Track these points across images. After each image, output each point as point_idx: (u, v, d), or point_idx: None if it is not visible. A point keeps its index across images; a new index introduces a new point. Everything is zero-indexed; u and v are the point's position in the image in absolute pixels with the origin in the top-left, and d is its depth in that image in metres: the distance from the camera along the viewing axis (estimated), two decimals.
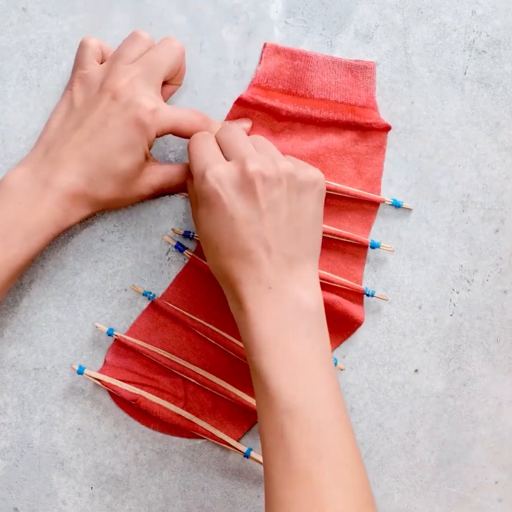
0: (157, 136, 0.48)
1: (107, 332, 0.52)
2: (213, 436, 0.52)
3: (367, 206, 0.54)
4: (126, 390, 0.52)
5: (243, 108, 0.53)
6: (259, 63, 0.54)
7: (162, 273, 0.54)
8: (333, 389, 0.43)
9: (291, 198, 0.45)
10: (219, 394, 0.53)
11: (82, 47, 0.51)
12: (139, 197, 0.51)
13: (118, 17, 0.53)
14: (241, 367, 0.53)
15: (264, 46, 0.53)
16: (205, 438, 0.53)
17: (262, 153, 0.46)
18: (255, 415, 0.53)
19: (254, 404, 0.51)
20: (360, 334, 0.55)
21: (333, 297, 0.53)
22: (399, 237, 0.55)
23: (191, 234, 0.53)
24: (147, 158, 0.49)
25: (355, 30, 0.54)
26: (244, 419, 0.54)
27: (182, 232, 0.53)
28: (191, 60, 0.53)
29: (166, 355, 0.53)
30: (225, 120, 0.53)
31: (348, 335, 0.54)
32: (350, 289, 0.53)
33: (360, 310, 0.54)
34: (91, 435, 0.54)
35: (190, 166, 0.47)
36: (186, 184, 0.51)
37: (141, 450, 0.54)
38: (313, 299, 0.44)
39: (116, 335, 0.52)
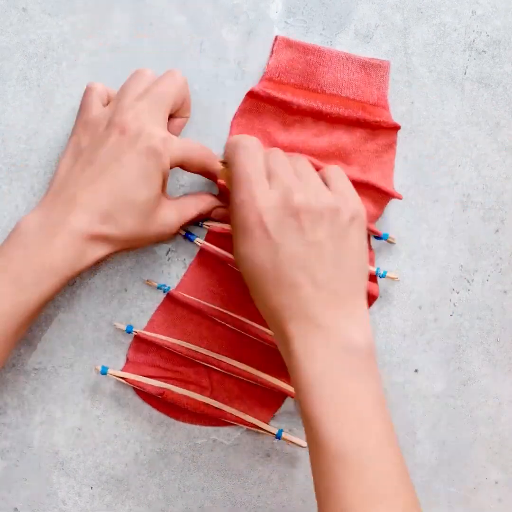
0: (170, 167, 0.47)
1: (126, 330, 0.52)
2: (242, 421, 0.53)
3: (378, 198, 0.54)
4: (151, 385, 0.52)
5: (255, 101, 0.53)
6: (270, 56, 0.54)
7: (162, 273, 0.54)
8: (387, 433, 0.41)
9: (335, 232, 0.44)
10: (244, 379, 0.53)
11: (87, 91, 0.50)
12: (157, 236, 0.49)
13: (118, 17, 0.54)
14: (264, 350, 0.53)
15: (275, 39, 0.53)
16: (235, 424, 0.53)
17: (304, 181, 0.45)
18: (282, 396, 0.54)
19: (281, 385, 0.52)
20: None
21: None
22: (399, 237, 0.55)
23: (200, 222, 0.53)
24: (163, 191, 0.48)
25: (355, 30, 0.54)
26: (272, 401, 0.54)
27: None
28: (191, 60, 0.54)
29: (187, 346, 0.53)
30: (236, 114, 0.53)
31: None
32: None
33: (374, 286, 0.54)
34: (91, 435, 0.54)
35: (234, 188, 0.45)
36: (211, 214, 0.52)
37: (141, 450, 0.54)
38: (363, 337, 0.43)
39: (136, 332, 0.53)
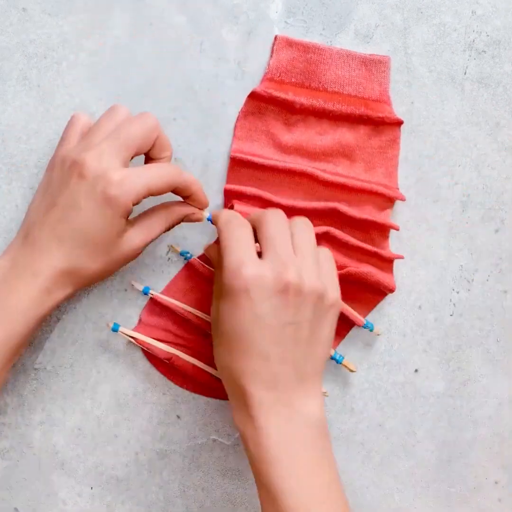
0: (134, 204, 0.47)
1: (143, 291, 0.53)
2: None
3: (382, 202, 0.54)
4: (160, 348, 0.52)
5: (257, 102, 0.53)
6: (271, 56, 0.53)
7: (162, 273, 0.54)
8: (340, 493, 0.44)
9: (314, 316, 0.45)
10: None
11: (69, 123, 0.50)
12: (124, 260, 0.49)
13: (118, 17, 0.53)
14: None
15: (275, 38, 0.53)
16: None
17: (299, 255, 0.45)
18: None
19: None
20: (360, 334, 0.55)
21: (365, 269, 0.53)
22: (399, 237, 0.55)
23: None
24: (126, 223, 0.48)
25: (355, 30, 0.54)
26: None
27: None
28: (191, 60, 0.53)
29: (200, 315, 0.53)
30: (239, 116, 0.53)
31: (378, 302, 0.55)
32: (383, 255, 0.53)
33: (391, 278, 0.54)
34: (91, 435, 0.54)
35: (222, 255, 0.45)
36: (213, 271, 0.52)
37: (141, 450, 0.54)
38: (318, 409, 0.45)
39: (152, 294, 0.53)
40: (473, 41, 0.55)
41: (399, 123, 0.54)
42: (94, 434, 0.54)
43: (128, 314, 0.54)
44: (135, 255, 0.49)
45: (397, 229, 0.53)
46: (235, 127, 0.54)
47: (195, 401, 0.54)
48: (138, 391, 0.54)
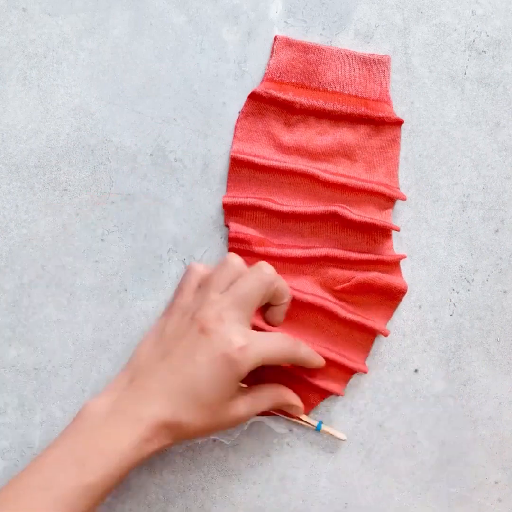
0: (248, 371, 0.46)
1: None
2: (282, 412, 0.53)
3: (383, 201, 0.54)
4: None
5: (257, 103, 0.53)
6: (271, 56, 0.53)
7: (162, 273, 0.54)
8: None
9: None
10: (287, 372, 0.53)
11: (187, 272, 0.50)
12: (227, 426, 0.48)
13: (118, 17, 0.53)
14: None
15: (275, 39, 0.53)
16: (275, 414, 0.54)
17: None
18: (323, 391, 0.54)
19: (320, 384, 0.53)
20: None
21: (372, 274, 0.53)
22: (399, 237, 0.55)
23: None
24: (237, 390, 0.48)
25: (355, 30, 0.54)
26: (313, 394, 0.54)
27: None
28: (191, 60, 0.53)
29: None
30: (239, 117, 0.53)
31: (397, 306, 0.54)
32: (386, 260, 0.53)
33: (400, 279, 0.54)
34: None
35: None
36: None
37: None
38: None
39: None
40: (473, 41, 0.55)
41: (399, 122, 0.54)
42: None
43: (128, 314, 0.54)
44: (237, 423, 0.48)
45: (398, 230, 0.53)
46: (235, 127, 0.54)
47: None
48: None
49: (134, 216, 0.54)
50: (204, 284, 0.49)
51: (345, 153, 0.54)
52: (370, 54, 0.53)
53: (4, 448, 0.53)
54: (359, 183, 0.53)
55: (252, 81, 0.54)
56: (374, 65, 0.53)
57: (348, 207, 0.53)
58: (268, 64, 0.53)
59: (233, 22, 0.54)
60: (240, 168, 0.53)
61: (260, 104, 0.53)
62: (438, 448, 0.55)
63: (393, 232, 0.54)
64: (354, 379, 0.54)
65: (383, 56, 0.53)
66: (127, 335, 0.53)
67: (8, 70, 0.53)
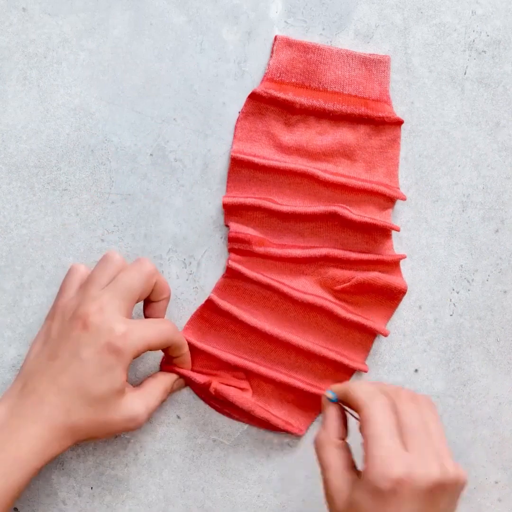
0: (134, 357, 0.48)
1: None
2: (286, 425, 0.53)
3: (383, 201, 0.54)
4: (199, 376, 0.53)
5: (257, 103, 0.53)
6: (271, 56, 0.54)
7: (162, 272, 0.54)
8: None
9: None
10: (285, 380, 0.53)
11: (68, 274, 0.51)
12: (124, 427, 0.48)
13: (118, 17, 0.54)
14: (301, 356, 0.54)
15: (275, 39, 0.54)
16: (266, 428, 0.54)
17: (417, 443, 0.43)
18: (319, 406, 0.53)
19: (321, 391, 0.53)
20: None
21: (372, 274, 0.53)
22: (399, 237, 0.55)
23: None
24: (127, 387, 0.49)
25: (355, 30, 0.54)
26: (311, 409, 0.54)
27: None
28: (191, 60, 0.54)
29: (223, 355, 0.53)
30: (239, 117, 0.54)
31: (396, 306, 0.55)
32: (386, 260, 0.54)
33: (400, 279, 0.54)
34: None
35: (366, 441, 0.43)
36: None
37: (141, 450, 0.54)
38: None
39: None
40: (473, 41, 0.55)
41: (399, 122, 0.54)
42: None
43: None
44: (138, 423, 0.49)
45: (398, 230, 0.53)
46: (236, 127, 0.54)
47: (195, 401, 0.54)
48: None
49: (134, 216, 0.54)
50: (85, 283, 0.49)
51: (345, 153, 0.54)
52: (370, 54, 0.53)
53: None
54: (359, 183, 0.53)
55: (252, 81, 0.54)
56: (374, 65, 0.53)
57: (348, 207, 0.53)
58: (268, 64, 0.54)
59: (233, 22, 0.54)
60: (240, 168, 0.54)
61: (260, 104, 0.53)
62: None
63: (393, 232, 0.54)
64: (355, 378, 0.55)
65: (383, 56, 0.53)
66: None
67: (8, 70, 0.53)
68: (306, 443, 0.55)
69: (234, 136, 0.54)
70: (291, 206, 0.53)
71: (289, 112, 0.54)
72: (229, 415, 0.54)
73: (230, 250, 0.54)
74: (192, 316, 0.54)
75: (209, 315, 0.54)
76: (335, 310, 0.53)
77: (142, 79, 0.54)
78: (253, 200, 0.53)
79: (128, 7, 0.54)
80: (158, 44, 0.54)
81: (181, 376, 0.53)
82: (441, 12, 0.55)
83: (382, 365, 0.55)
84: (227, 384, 0.53)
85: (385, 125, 0.54)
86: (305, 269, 0.54)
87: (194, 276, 0.54)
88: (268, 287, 0.53)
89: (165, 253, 0.54)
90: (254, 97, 0.53)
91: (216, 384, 0.52)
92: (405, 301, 0.55)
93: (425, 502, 0.41)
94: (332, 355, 0.53)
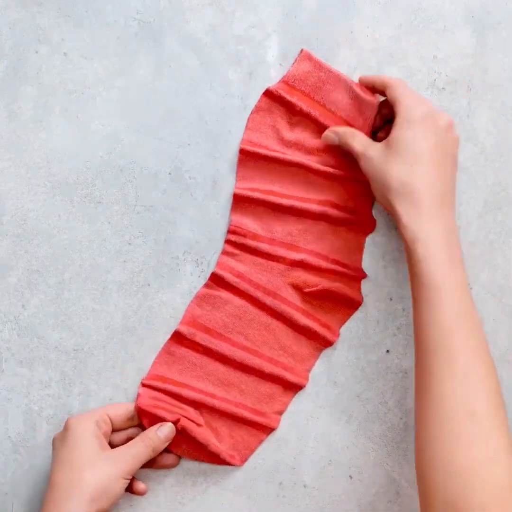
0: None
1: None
2: (230, 458, 0.58)
3: (369, 191, 0.58)
4: (168, 414, 0.57)
5: (269, 100, 0.59)
6: (293, 64, 0.59)
7: (178, 271, 0.60)
8: (465, 281, 0.53)
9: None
10: (234, 411, 0.58)
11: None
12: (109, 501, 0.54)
13: (143, 61, 0.60)
14: (252, 375, 0.59)
15: (301, 51, 0.59)
16: (224, 462, 0.58)
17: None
18: (259, 438, 0.59)
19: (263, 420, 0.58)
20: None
21: (336, 284, 0.59)
22: (373, 242, 0.61)
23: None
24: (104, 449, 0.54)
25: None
26: (253, 441, 0.59)
27: None
28: (202, 96, 0.60)
29: (183, 392, 0.57)
30: (253, 111, 0.59)
31: (351, 314, 0.60)
32: (350, 274, 0.59)
33: (357, 294, 0.59)
34: None
35: (395, 104, 0.56)
36: None
37: None
38: (454, 224, 0.54)
39: (143, 383, 0.58)
40: (435, 80, 0.61)
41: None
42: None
43: (150, 305, 0.60)
44: (114, 495, 0.54)
45: (373, 230, 0.59)
46: (248, 119, 0.60)
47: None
48: None
49: (156, 224, 0.60)
50: None
51: (335, 151, 0.60)
52: (364, 93, 0.58)
53: (48, 415, 0.60)
54: (347, 174, 0.59)
55: None
56: (364, 105, 0.59)
57: (337, 205, 0.59)
58: (288, 69, 0.59)
59: (237, 65, 0.61)
60: (247, 160, 0.59)
61: (271, 102, 0.59)
62: (406, 415, 0.60)
63: (368, 240, 0.61)
64: (337, 358, 0.60)
65: (372, 100, 0.59)
66: (150, 322, 0.60)
67: (52, 104, 0.60)
68: (298, 410, 0.60)
69: (246, 126, 0.59)
70: (291, 200, 0.59)
71: (291, 112, 0.59)
72: (184, 452, 0.58)
73: (227, 241, 0.59)
74: (159, 351, 0.59)
75: (175, 348, 0.59)
76: (294, 316, 0.59)
77: (162, 111, 0.60)
78: (259, 194, 0.58)
79: (150, 53, 0.60)
80: (176, 83, 0.60)
81: (152, 417, 0.57)
82: (408, 56, 0.61)
83: (359, 347, 0.61)
84: (189, 420, 0.57)
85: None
86: (283, 270, 0.60)
87: (205, 274, 0.60)
88: (244, 295, 0.59)
89: (181, 254, 0.61)
90: (267, 93, 0.59)
91: (184, 422, 0.56)
92: (379, 294, 0.60)
93: (442, 140, 0.55)
94: (277, 371, 0.59)
